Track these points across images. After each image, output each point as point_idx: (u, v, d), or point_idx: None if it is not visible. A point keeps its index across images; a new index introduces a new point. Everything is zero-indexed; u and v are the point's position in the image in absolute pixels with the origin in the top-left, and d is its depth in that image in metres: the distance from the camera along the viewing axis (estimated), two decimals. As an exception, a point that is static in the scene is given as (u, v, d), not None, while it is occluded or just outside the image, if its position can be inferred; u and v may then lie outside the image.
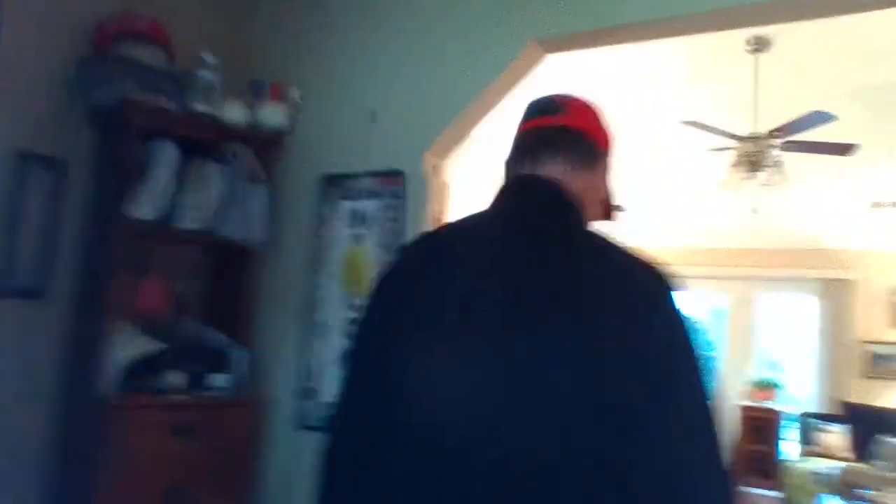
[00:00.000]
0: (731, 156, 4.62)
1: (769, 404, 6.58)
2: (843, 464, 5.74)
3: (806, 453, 6.12)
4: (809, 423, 6.34)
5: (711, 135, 4.48)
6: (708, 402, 0.81)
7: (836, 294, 6.76)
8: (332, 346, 2.39)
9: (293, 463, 2.41)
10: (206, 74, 2.39)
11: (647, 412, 0.78)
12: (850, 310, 6.69)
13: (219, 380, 2.35)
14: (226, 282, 2.61)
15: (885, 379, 6.53)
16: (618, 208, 1.06)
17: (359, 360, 0.96)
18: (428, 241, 1.02)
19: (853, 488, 3.96)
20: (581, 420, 0.78)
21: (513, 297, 0.85)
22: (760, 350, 7.28)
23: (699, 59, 4.87)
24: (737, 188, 4.51)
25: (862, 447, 6.02)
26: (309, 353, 2.45)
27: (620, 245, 0.91)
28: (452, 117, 2.28)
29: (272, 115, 2.53)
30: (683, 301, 0.86)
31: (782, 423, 6.55)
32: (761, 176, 4.62)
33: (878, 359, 6.57)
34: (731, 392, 7.13)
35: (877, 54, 4.48)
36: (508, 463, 0.79)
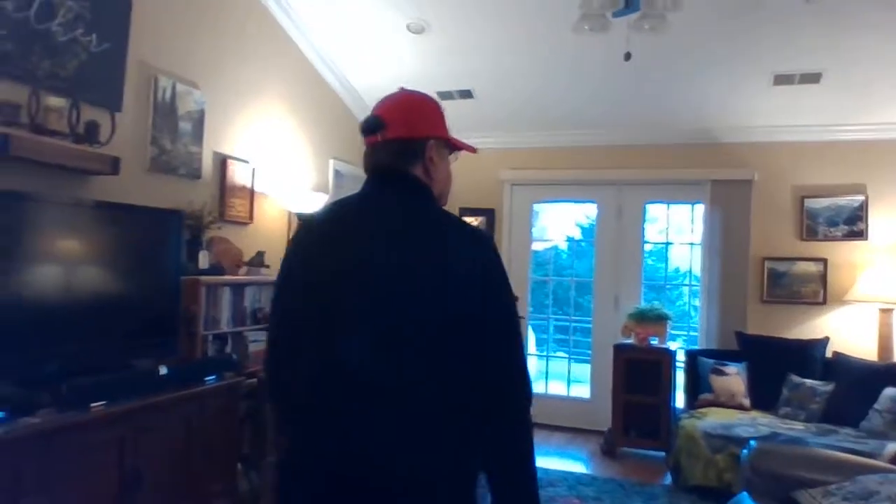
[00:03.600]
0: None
1: (657, 342, 5.21)
2: (744, 418, 4.43)
3: (699, 404, 4.79)
4: (699, 364, 5.02)
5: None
6: (513, 322, 1.30)
7: (729, 199, 5.39)
8: None
9: None
10: None
11: (473, 322, 1.24)
12: (745, 218, 5.35)
13: None
14: None
15: (788, 303, 5.28)
16: (466, 148, 1.51)
17: (281, 299, 1.43)
18: (326, 214, 1.47)
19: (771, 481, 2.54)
20: (428, 326, 1.24)
21: (385, 251, 1.28)
22: (643, 273, 5.89)
23: None
24: (598, 27, 2.84)
25: (761, 390, 4.77)
26: None
27: (450, 215, 1.38)
28: None
29: None
30: (495, 249, 1.34)
31: (675, 365, 5.21)
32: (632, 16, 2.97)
33: (779, 278, 5.30)
34: (607, 328, 5.73)
35: None
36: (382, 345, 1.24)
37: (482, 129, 5.97)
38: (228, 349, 3.94)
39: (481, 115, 5.73)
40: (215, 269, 3.92)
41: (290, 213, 4.80)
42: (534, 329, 6.57)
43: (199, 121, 3.97)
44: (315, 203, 4.81)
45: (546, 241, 6.52)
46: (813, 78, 4.64)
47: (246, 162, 4.44)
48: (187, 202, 3.79)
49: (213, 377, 3.39)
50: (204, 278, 3.71)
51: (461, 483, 1.27)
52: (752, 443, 2.94)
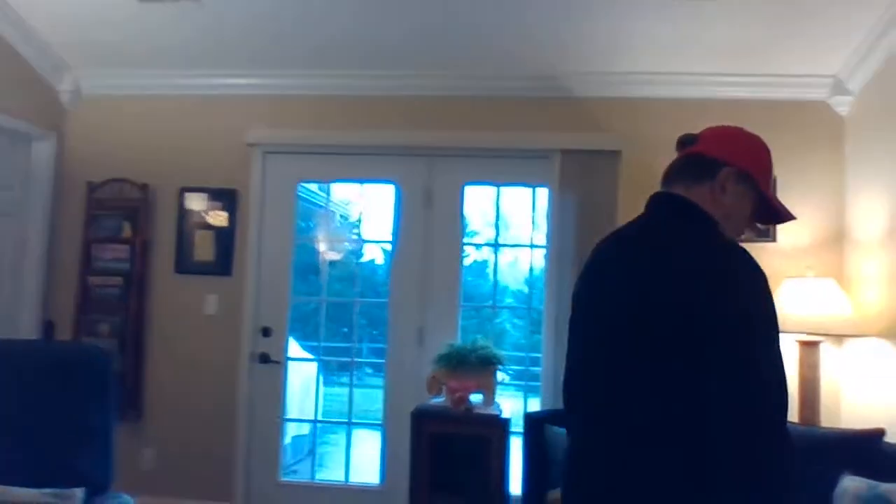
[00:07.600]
0: None
1: (482, 401, 3.29)
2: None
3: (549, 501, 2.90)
4: (548, 436, 3.14)
5: None
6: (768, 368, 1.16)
7: (588, 178, 3.61)
8: None
9: None
10: None
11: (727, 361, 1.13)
12: (612, 207, 3.56)
13: None
14: None
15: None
16: (783, 212, 1.38)
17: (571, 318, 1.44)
18: (606, 241, 1.43)
19: None
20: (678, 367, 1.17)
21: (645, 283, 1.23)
22: (461, 292, 3.91)
23: None
24: None
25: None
26: None
27: (718, 237, 1.29)
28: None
29: None
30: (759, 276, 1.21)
31: (509, 440, 3.29)
32: None
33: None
34: (407, 377, 3.74)
35: None
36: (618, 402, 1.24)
37: (217, 62, 3.78)
38: None
39: (212, 34, 3.53)
40: None
41: None
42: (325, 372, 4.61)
43: None
44: None
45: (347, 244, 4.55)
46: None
47: None
48: None
49: None
50: None
51: None
52: None
